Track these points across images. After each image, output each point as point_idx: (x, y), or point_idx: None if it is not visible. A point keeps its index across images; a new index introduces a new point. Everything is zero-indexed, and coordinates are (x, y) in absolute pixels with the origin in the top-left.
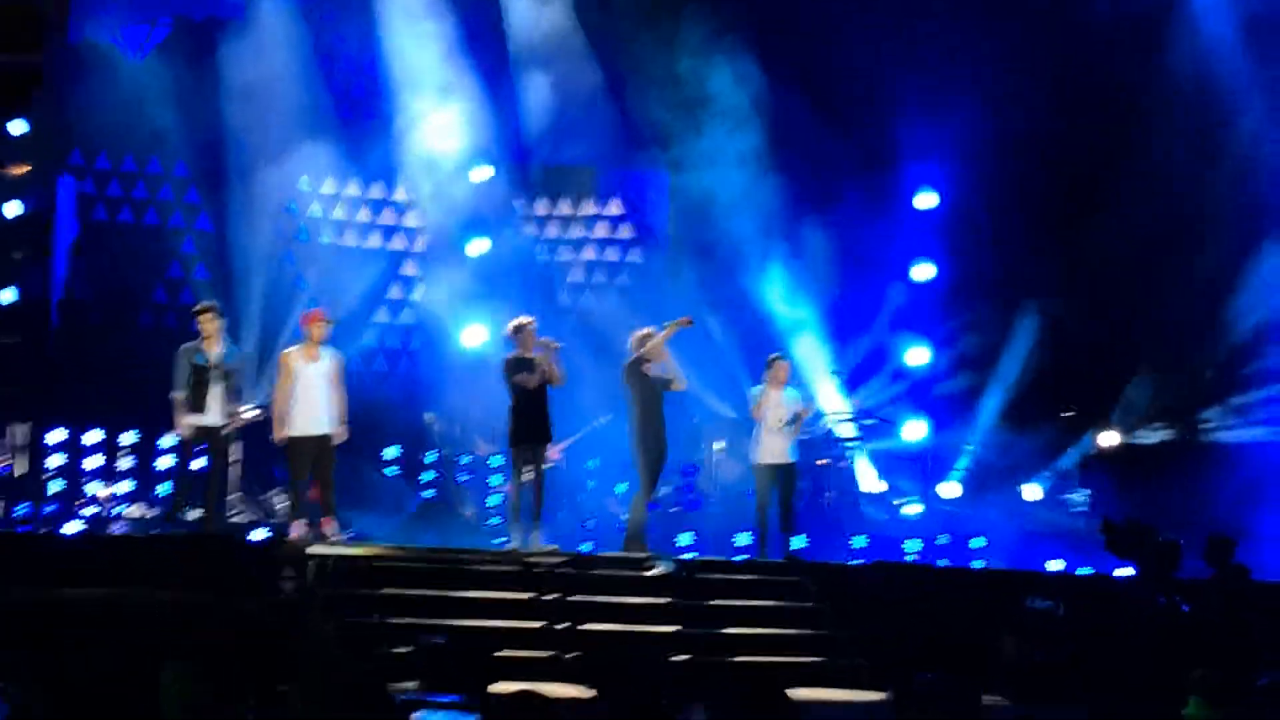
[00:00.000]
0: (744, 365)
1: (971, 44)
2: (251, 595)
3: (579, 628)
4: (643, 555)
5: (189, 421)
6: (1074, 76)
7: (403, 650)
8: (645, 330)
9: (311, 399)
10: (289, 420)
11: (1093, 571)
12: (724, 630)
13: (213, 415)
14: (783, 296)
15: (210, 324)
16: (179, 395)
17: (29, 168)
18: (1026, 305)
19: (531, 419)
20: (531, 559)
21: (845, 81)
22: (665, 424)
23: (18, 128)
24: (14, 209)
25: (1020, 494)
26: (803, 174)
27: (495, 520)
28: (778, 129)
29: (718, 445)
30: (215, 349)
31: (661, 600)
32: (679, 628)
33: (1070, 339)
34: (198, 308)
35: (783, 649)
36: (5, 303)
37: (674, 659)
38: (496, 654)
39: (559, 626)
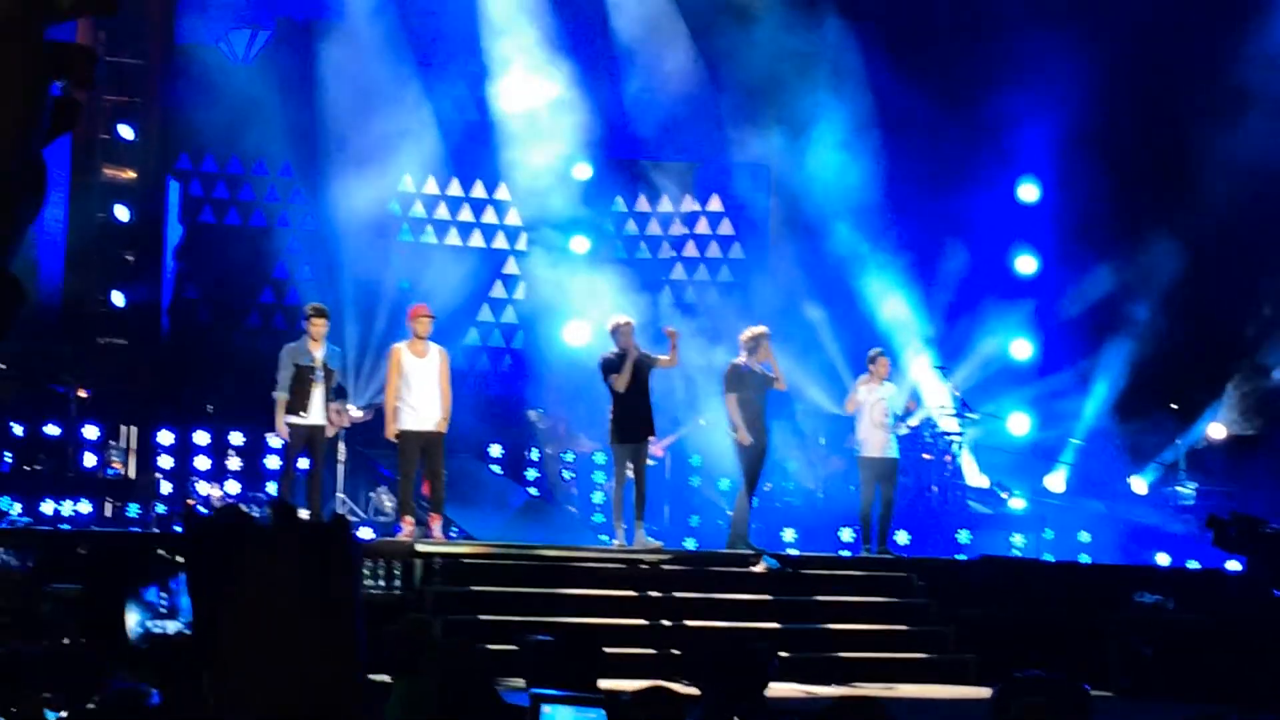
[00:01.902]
0: (846, 359)
1: (1072, 35)
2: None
3: (684, 624)
4: (748, 552)
5: (290, 421)
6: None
7: (508, 648)
8: (756, 329)
9: (419, 394)
10: (398, 415)
11: (1201, 566)
12: (829, 626)
13: (314, 415)
14: (886, 291)
15: (320, 327)
16: (282, 396)
17: (135, 174)
18: (1130, 295)
19: (630, 417)
20: (635, 556)
21: (950, 72)
22: (768, 422)
23: (126, 132)
24: (123, 213)
25: (1127, 487)
26: (905, 166)
27: (599, 518)
28: (880, 121)
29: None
30: (319, 350)
31: (766, 597)
32: (784, 624)
33: (1172, 329)
34: (311, 309)
35: (889, 645)
36: (116, 306)
37: (780, 655)
38: (604, 651)
39: (664, 623)
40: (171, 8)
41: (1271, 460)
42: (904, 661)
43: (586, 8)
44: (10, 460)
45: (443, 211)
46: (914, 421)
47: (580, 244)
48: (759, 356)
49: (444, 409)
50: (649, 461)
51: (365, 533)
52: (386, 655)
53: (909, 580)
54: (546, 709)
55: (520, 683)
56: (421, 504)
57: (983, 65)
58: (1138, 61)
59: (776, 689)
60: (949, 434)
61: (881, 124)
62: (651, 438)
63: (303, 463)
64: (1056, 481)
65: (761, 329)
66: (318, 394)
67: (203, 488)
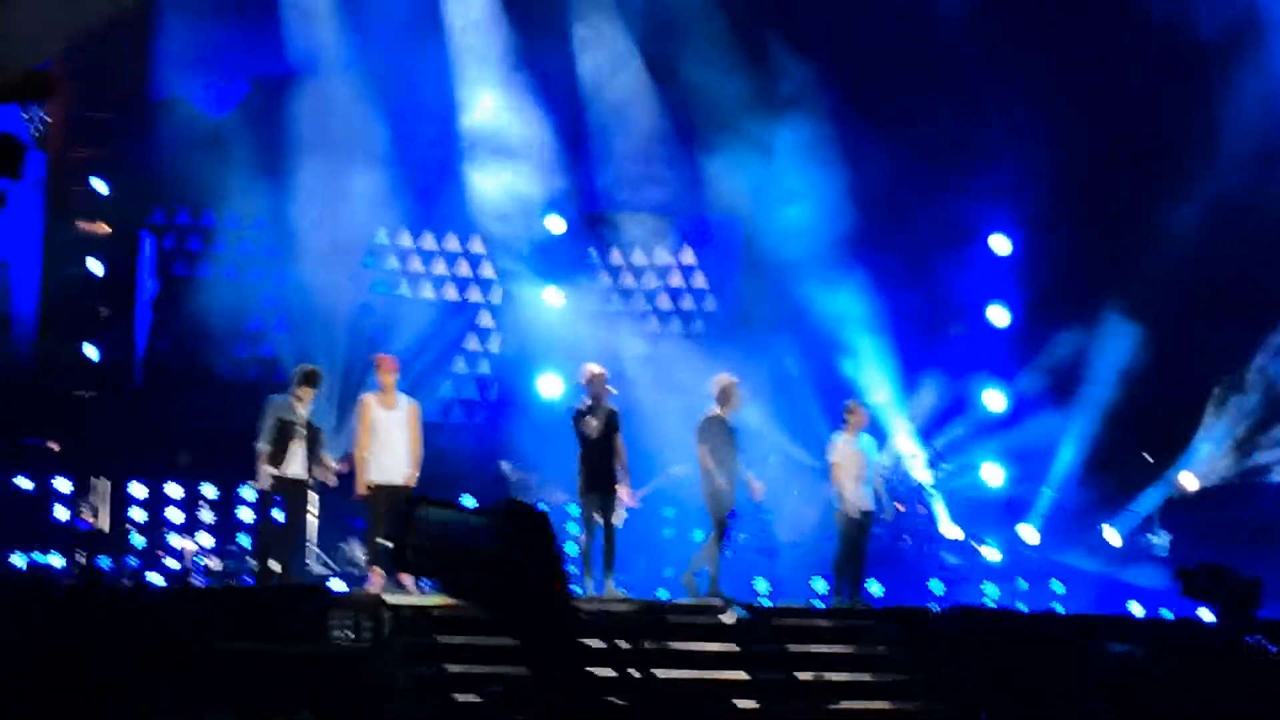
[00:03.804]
0: (820, 411)
1: (1039, 87)
2: (327, 644)
3: (653, 674)
4: (718, 602)
5: (270, 472)
6: (1134, 107)
7: (471, 699)
8: (724, 379)
9: (389, 446)
10: (367, 466)
11: (1174, 615)
12: (799, 676)
13: (294, 469)
14: (858, 342)
15: (305, 394)
16: (264, 447)
17: (109, 228)
18: (1100, 345)
19: (598, 469)
20: (604, 606)
21: (920, 126)
22: (739, 472)
23: (100, 186)
24: (97, 266)
25: (1100, 537)
26: (876, 220)
27: (572, 569)
28: (851, 176)
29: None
30: (305, 409)
31: (736, 647)
32: (754, 675)
33: (1146, 376)
34: (306, 373)
35: (860, 695)
36: (89, 358)
37: (748, 706)
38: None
39: (633, 673)
40: (147, 62)
41: (1242, 510)
42: (874, 712)
43: (559, 63)
44: None
45: (416, 264)
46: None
47: (554, 296)
48: (730, 407)
49: (414, 461)
50: (622, 514)
51: (337, 584)
52: None
53: (880, 630)
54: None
55: None
56: None
57: (953, 118)
58: (1109, 117)
59: None
60: (922, 484)
61: (854, 177)
62: (621, 489)
63: (278, 514)
64: (1030, 532)
65: (730, 379)
66: (299, 449)
67: (175, 540)
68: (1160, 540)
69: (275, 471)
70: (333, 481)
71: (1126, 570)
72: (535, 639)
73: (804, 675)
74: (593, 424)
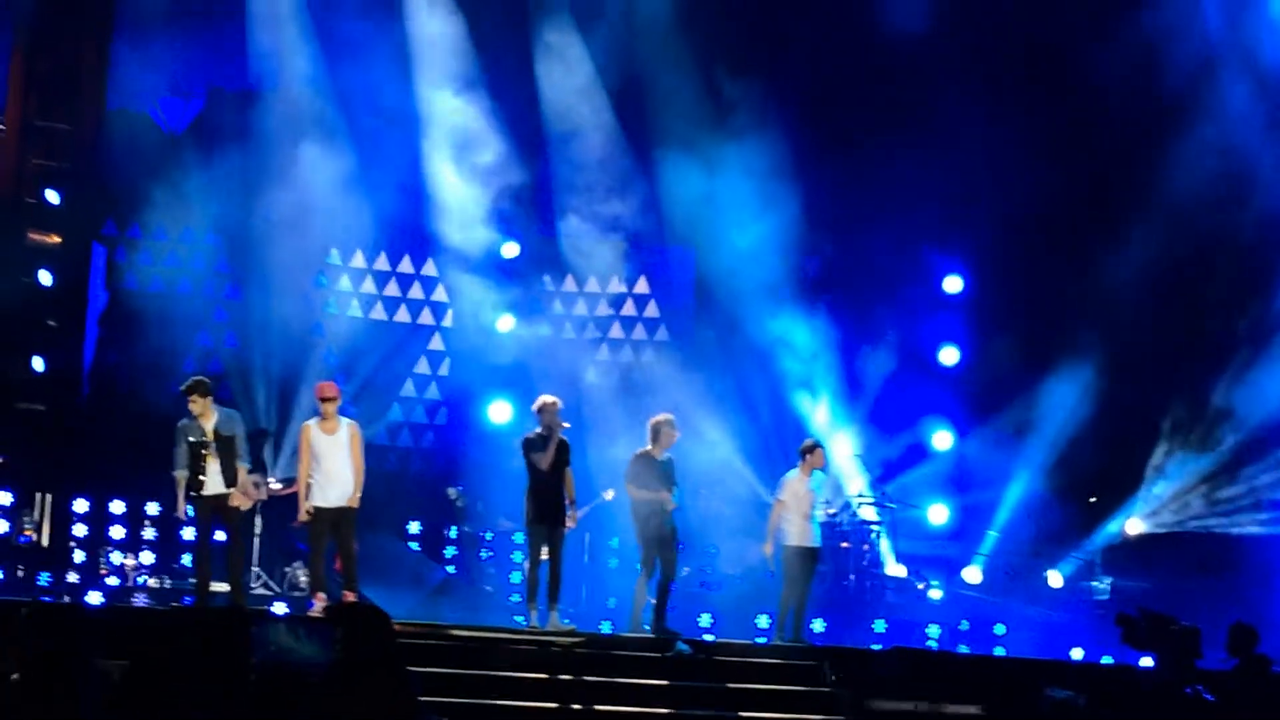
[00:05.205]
0: (771, 445)
1: (989, 125)
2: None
3: (595, 709)
4: (650, 634)
5: (191, 496)
6: (1081, 149)
7: None
8: (657, 417)
9: (330, 469)
10: (309, 492)
11: (1114, 661)
12: (740, 714)
13: (213, 486)
14: (806, 380)
15: (196, 404)
16: (180, 474)
17: (60, 239)
18: (1050, 385)
19: (547, 499)
20: (548, 638)
21: (874, 164)
22: (674, 510)
23: (52, 197)
24: (47, 278)
25: (1043, 580)
26: (831, 254)
27: (516, 598)
28: (805, 210)
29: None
30: (209, 423)
31: (679, 683)
32: (695, 710)
33: (1095, 418)
34: (183, 387)
35: None
36: (36, 371)
37: None
38: None
39: (574, 707)
40: (103, 73)
41: (1184, 556)
42: None
43: (519, 86)
44: None
45: (369, 285)
46: (831, 510)
47: (506, 322)
48: (660, 444)
49: (356, 484)
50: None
51: (280, 608)
52: None
53: (821, 669)
54: None
55: None
56: (336, 580)
57: (911, 154)
58: (1069, 150)
59: None
60: (868, 523)
61: (807, 210)
62: (564, 523)
63: (220, 535)
64: (973, 573)
65: (662, 417)
66: (213, 465)
67: (116, 557)
68: (1102, 585)
69: (195, 494)
70: (262, 498)
71: (1068, 614)
72: None
73: (745, 714)
74: (545, 455)
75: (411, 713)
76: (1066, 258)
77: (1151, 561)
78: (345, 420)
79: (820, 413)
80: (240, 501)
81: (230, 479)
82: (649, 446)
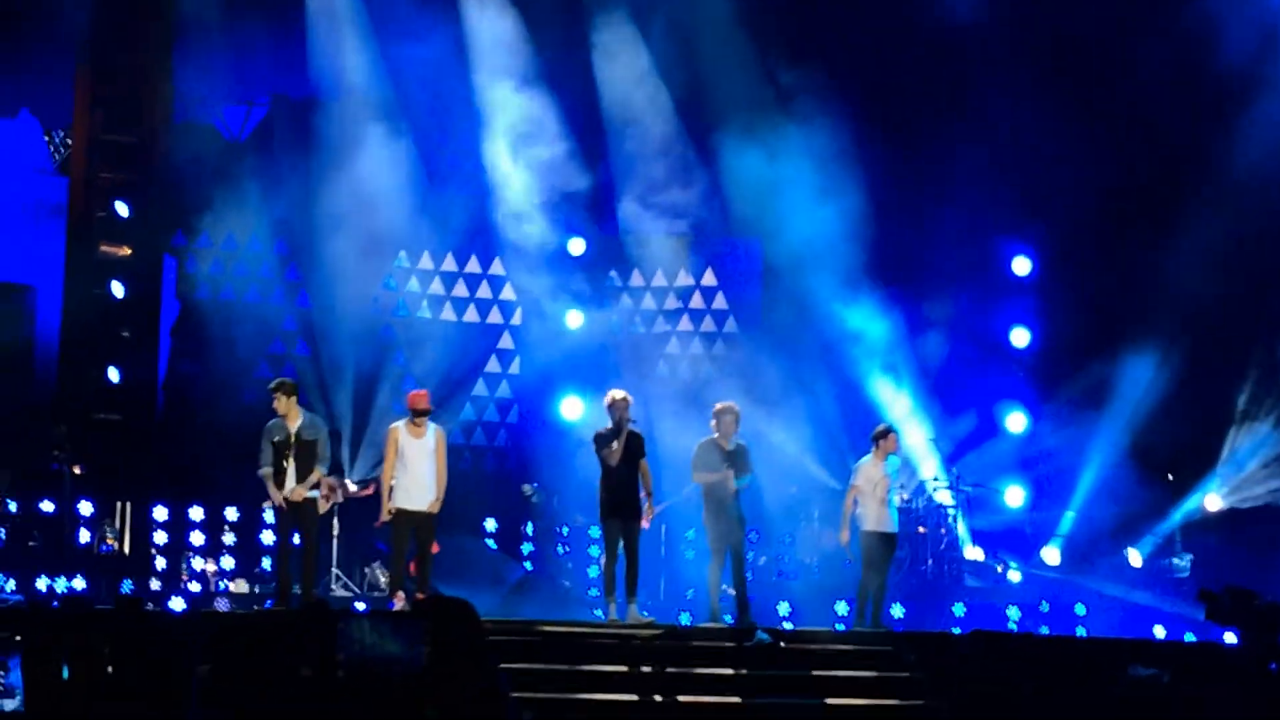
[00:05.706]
0: (844, 433)
1: (1051, 109)
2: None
3: (677, 699)
4: (734, 626)
5: (279, 495)
6: (1145, 129)
7: None
8: (720, 404)
9: (415, 473)
10: (393, 493)
11: (1197, 639)
12: (821, 700)
13: (290, 485)
14: (879, 365)
15: (281, 403)
16: (266, 471)
17: (130, 250)
18: (1123, 366)
19: (619, 493)
20: (628, 631)
21: (935, 150)
22: (739, 498)
23: (122, 209)
24: (119, 289)
25: (1123, 559)
26: (898, 241)
27: (594, 592)
28: (871, 197)
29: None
30: (293, 424)
31: (760, 672)
32: (776, 699)
33: (1169, 397)
34: (273, 387)
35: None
36: (111, 382)
37: None
38: None
39: (656, 698)
40: (168, 85)
41: (1266, 532)
42: None
43: (580, 84)
44: (4, 536)
45: (438, 287)
46: (905, 495)
47: (575, 318)
48: (723, 431)
49: (438, 490)
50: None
51: (359, 607)
52: None
53: (901, 654)
54: None
55: None
56: (410, 582)
57: (972, 137)
58: (1134, 129)
59: None
60: (943, 506)
61: (873, 196)
62: (639, 516)
63: (296, 538)
64: (1052, 554)
65: (724, 405)
66: (292, 467)
67: (197, 563)
68: (1182, 562)
69: (283, 492)
70: (339, 500)
71: (1149, 592)
72: None
73: (825, 700)
74: (614, 449)
75: (498, 707)
76: (1134, 236)
77: (1233, 538)
78: (433, 425)
79: (901, 400)
80: (319, 504)
81: (302, 480)
82: (714, 435)
